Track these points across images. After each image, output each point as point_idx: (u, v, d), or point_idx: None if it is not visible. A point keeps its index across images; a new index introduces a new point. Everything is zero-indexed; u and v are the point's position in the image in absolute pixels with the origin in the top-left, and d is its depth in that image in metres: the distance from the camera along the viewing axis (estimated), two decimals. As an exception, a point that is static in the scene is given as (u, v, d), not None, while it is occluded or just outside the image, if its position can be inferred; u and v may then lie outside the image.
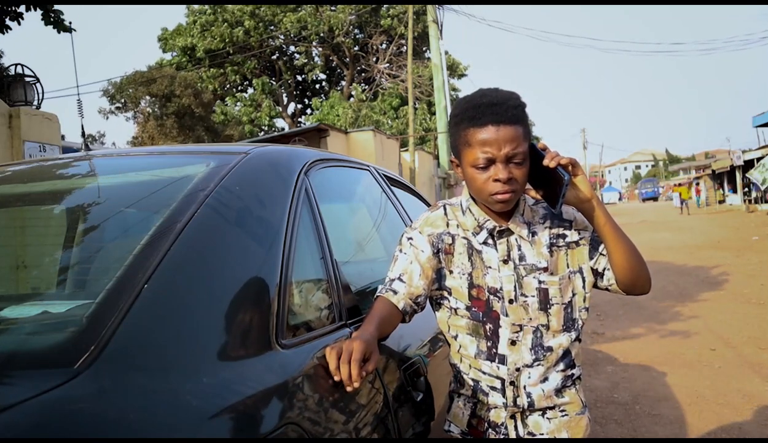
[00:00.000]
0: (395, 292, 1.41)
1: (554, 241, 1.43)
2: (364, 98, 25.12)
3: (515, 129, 1.30)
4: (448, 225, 1.47)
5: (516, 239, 1.42)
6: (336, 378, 1.13)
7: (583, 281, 1.44)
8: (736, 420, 3.65)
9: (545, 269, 1.41)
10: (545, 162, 1.31)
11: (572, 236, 1.44)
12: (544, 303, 1.40)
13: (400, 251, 1.47)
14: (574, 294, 1.44)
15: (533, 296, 1.40)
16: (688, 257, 11.76)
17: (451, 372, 1.53)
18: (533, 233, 1.43)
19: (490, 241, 1.43)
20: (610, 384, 4.46)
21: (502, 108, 1.30)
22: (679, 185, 39.79)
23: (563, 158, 1.32)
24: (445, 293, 1.46)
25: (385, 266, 1.58)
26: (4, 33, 7.18)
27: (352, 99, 24.23)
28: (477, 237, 1.43)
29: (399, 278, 1.43)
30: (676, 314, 6.81)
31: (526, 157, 1.33)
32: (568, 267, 1.43)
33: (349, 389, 1.13)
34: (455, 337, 1.47)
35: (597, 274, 1.45)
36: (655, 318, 6.64)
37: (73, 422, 0.74)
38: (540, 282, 1.40)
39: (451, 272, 1.45)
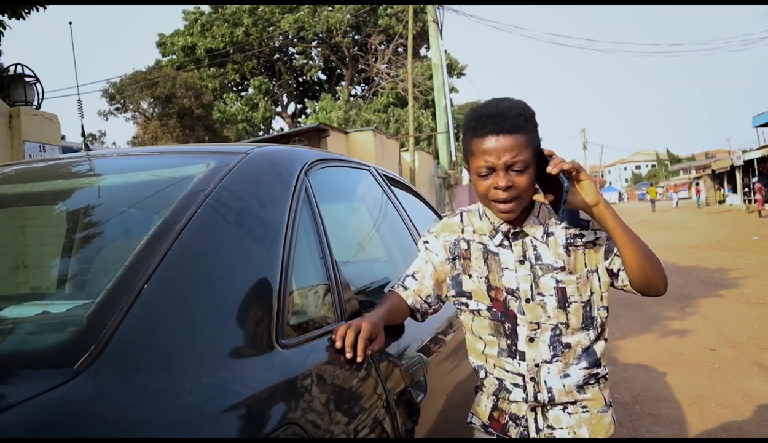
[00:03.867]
0: (406, 288, 1.53)
1: (572, 241, 1.45)
2: (364, 97, 25.10)
3: (515, 138, 1.34)
4: (463, 231, 1.53)
5: (531, 241, 1.45)
6: (338, 345, 1.23)
7: (599, 280, 1.46)
8: (736, 420, 3.65)
9: (562, 269, 1.43)
10: (548, 169, 1.34)
11: (589, 235, 1.46)
12: (563, 302, 1.43)
13: (418, 252, 1.58)
14: (592, 293, 1.46)
15: (551, 295, 1.43)
16: (688, 257, 11.77)
17: (476, 373, 1.56)
18: (549, 234, 1.45)
19: (506, 243, 1.47)
20: (611, 384, 4.45)
21: (501, 119, 1.35)
22: (651, 185, 45.27)
23: (566, 164, 1.33)
24: (465, 298, 1.51)
25: (385, 266, 1.58)
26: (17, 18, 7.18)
27: (340, 101, 24.20)
28: (493, 240, 1.48)
29: (412, 276, 1.54)
30: (676, 314, 6.81)
31: (528, 164, 1.35)
32: (586, 266, 1.45)
33: (359, 359, 1.22)
34: (480, 338, 1.51)
35: (612, 274, 1.46)
36: (655, 318, 6.64)
37: (73, 422, 0.74)
38: (558, 282, 1.43)
39: (470, 276, 1.50)
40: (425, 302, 1.52)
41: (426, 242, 1.56)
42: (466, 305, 1.51)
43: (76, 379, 0.78)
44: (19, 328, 1.02)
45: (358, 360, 1.22)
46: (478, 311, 1.49)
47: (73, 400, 0.76)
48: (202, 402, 0.89)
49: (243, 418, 0.94)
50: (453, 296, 1.54)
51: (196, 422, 0.86)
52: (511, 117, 1.35)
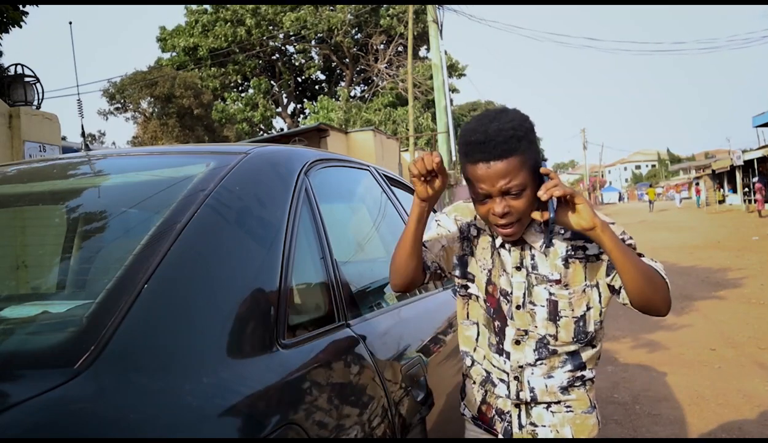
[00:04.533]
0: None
1: (572, 253, 1.41)
2: (363, 97, 25.11)
3: (507, 162, 1.28)
4: (475, 218, 1.52)
5: (530, 249, 1.43)
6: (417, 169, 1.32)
7: (600, 295, 1.43)
8: (736, 420, 3.65)
9: (557, 282, 1.41)
10: (539, 194, 1.27)
11: (592, 249, 1.41)
12: (553, 314, 1.41)
13: (428, 230, 1.55)
14: (589, 308, 1.42)
15: (542, 306, 1.41)
16: (687, 257, 11.76)
17: (462, 359, 1.56)
18: (550, 245, 1.42)
19: (506, 245, 1.46)
20: (610, 384, 4.46)
21: (490, 145, 1.28)
22: (651, 186, 48.96)
23: (557, 190, 1.26)
24: (467, 281, 1.52)
25: (385, 266, 1.58)
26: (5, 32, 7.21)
27: (340, 101, 24.20)
28: (496, 240, 1.47)
29: (423, 245, 1.49)
30: (676, 314, 6.81)
31: (525, 186, 1.30)
32: (585, 280, 1.42)
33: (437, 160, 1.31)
34: (476, 323, 1.52)
35: (613, 290, 1.43)
36: (654, 318, 6.63)
37: (73, 422, 0.74)
38: (550, 294, 1.41)
39: (477, 261, 1.50)
40: (433, 264, 1.51)
41: (437, 220, 1.56)
42: (466, 287, 1.52)
43: (76, 379, 0.78)
44: (19, 328, 1.02)
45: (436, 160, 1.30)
46: (477, 297, 1.50)
47: (73, 400, 0.76)
48: (202, 402, 0.89)
49: (243, 418, 0.94)
50: (456, 276, 1.53)
51: (196, 422, 0.86)
52: (500, 142, 1.28)
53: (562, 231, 1.42)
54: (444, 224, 1.55)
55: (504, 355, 1.46)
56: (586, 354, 1.46)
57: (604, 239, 1.31)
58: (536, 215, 1.34)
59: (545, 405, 1.46)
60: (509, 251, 1.45)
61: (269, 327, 1.11)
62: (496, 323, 1.47)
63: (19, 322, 1.05)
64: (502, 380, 1.48)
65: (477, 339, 1.52)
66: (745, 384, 4.28)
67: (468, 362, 1.54)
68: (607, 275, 1.42)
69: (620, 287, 1.40)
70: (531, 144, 1.32)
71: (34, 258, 1.43)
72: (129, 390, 0.82)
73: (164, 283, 0.97)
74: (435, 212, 1.58)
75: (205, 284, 1.05)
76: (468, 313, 1.53)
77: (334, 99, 24.57)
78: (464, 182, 1.45)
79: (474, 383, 1.54)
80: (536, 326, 1.42)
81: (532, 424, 1.46)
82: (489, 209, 1.34)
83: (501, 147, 1.28)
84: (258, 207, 1.29)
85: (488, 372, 1.50)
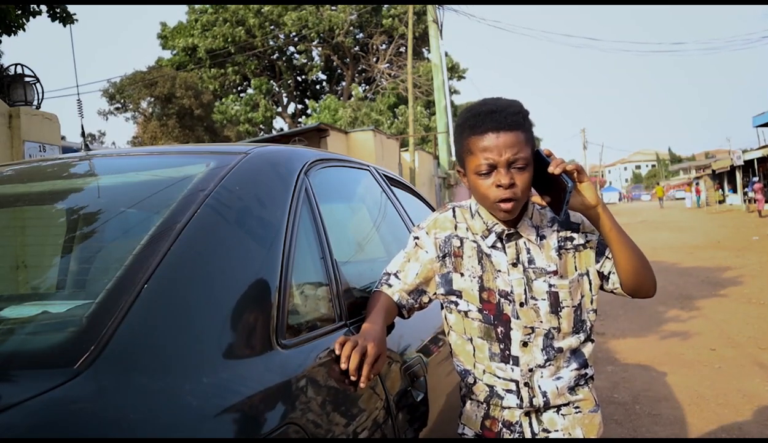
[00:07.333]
0: (390, 286, 1.50)
1: (562, 244, 1.44)
2: (365, 97, 25.14)
3: (515, 135, 1.32)
4: (456, 228, 1.49)
5: (524, 243, 1.43)
6: (343, 367, 1.18)
7: (590, 283, 1.46)
8: (736, 420, 3.65)
9: (555, 273, 1.42)
10: (550, 169, 1.32)
11: (579, 239, 1.45)
12: (555, 306, 1.41)
13: (405, 248, 1.54)
14: (582, 296, 1.45)
15: (544, 299, 1.41)
16: (688, 257, 11.76)
17: (461, 378, 1.51)
18: (542, 237, 1.44)
19: (498, 244, 1.44)
20: (610, 384, 4.46)
21: (501, 115, 1.33)
22: (658, 184, 50.69)
23: (569, 165, 1.33)
24: (455, 298, 1.47)
25: (384, 266, 1.58)
26: (10, 35, 7.25)
27: (351, 98, 24.21)
28: (486, 241, 1.45)
29: (395, 275, 1.51)
30: (676, 314, 6.81)
31: (528, 162, 1.34)
32: (576, 270, 1.44)
33: (362, 385, 1.18)
34: (470, 340, 1.47)
35: (603, 277, 1.46)
36: (655, 318, 6.64)
37: (73, 422, 0.74)
38: (550, 285, 1.41)
39: (462, 274, 1.46)
40: (410, 298, 1.49)
41: (416, 237, 1.52)
42: (456, 304, 1.47)
43: (76, 379, 0.78)
44: (19, 328, 1.02)
45: (361, 385, 1.18)
46: (467, 312, 1.45)
47: (73, 400, 0.76)
48: (201, 402, 0.89)
49: (243, 418, 0.94)
50: (442, 295, 1.49)
51: (196, 422, 0.86)
52: (510, 114, 1.33)
53: (550, 224, 1.45)
54: (422, 244, 1.50)
55: (511, 362, 1.42)
56: (587, 350, 1.47)
57: (605, 217, 1.38)
58: (536, 198, 1.39)
59: (555, 409, 1.44)
60: (504, 249, 1.43)
61: (269, 327, 1.11)
62: (499, 329, 1.42)
63: (19, 322, 1.05)
64: (509, 390, 1.43)
65: (474, 355, 1.46)
66: (745, 384, 4.28)
67: (470, 379, 1.48)
68: (597, 261, 1.46)
69: (609, 273, 1.45)
70: (531, 128, 1.38)
71: (34, 258, 1.43)
72: (129, 390, 0.82)
73: (164, 283, 0.97)
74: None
75: (205, 285, 1.05)
76: (464, 329, 1.47)
77: (338, 98, 24.59)
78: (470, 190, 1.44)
79: (475, 401, 1.49)
80: (541, 322, 1.41)
81: (545, 431, 1.44)
82: (493, 184, 1.34)
83: (511, 118, 1.33)
84: (258, 207, 1.29)
85: (491, 386, 1.45)
